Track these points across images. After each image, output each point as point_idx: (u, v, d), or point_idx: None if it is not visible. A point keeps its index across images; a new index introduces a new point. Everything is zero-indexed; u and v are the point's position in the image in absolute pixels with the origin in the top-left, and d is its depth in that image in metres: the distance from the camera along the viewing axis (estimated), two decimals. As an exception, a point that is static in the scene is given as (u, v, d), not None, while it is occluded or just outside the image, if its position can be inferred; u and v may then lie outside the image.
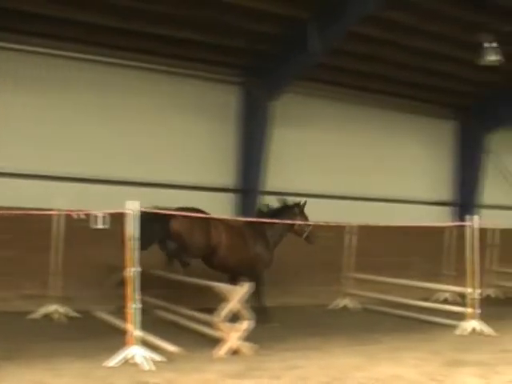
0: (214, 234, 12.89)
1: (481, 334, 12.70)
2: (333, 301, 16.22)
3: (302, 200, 14.29)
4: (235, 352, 10.16)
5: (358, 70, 17.87)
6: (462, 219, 14.29)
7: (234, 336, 10.22)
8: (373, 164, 19.70)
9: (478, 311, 13.07)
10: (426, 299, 16.08)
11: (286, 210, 14.02)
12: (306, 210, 14.34)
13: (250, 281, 11.37)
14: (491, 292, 18.98)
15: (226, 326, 10.31)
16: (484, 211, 21.18)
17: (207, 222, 12.82)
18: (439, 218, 20.24)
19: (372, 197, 19.39)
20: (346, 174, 19.09)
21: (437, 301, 17.01)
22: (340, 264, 16.42)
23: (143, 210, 10.04)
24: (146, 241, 10.74)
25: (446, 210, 21.23)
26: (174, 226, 12.33)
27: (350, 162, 19.22)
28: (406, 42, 16.58)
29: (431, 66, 18.06)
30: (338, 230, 16.39)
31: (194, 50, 15.89)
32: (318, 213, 16.81)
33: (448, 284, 16.98)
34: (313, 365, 9.53)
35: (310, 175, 18.30)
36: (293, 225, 13.98)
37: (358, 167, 19.36)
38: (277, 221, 13.57)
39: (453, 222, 19.41)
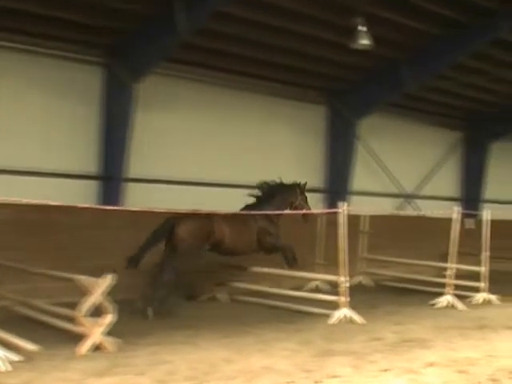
0: (216, 229, 14.24)
1: (352, 322, 13.01)
2: (204, 293, 16.13)
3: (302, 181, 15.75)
4: (98, 348, 9.95)
5: (230, 52, 17.88)
6: (333, 206, 14.54)
7: (96, 331, 9.99)
8: (243, 149, 19.79)
9: (349, 299, 13.38)
10: (297, 288, 16.30)
11: (287, 188, 15.31)
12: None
13: (272, 253, 14.70)
14: (362, 279, 19.50)
15: (88, 320, 10.06)
16: (355, 198, 21.79)
17: (209, 220, 14.18)
18: (311, 205, 20.55)
19: (241, 183, 19.42)
20: (215, 160, 19.07)
21: (309, 290, 17.29)
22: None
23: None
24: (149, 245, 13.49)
25: (317, 196, 21.61)
26: (179, 232, 13.73)
27: (219, 148, 19.22)
28: (278, 24, 16.74)
29: (303, 49, 18.32)
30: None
31: (54, 27, 15.34)
32: (184, 201, 16.81)
33: (320, 272, 17.34)
34: (180, 359, 9.48)
35: (176, 161, 18.17)
36: (293, 201, 15.44)
37: (227, 153, 19.39)
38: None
39: (324, 208, 19.76)
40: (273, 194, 15.30)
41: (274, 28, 16.90)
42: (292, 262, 15.02)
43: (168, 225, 13.83)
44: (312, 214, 15.90)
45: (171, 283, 13.62)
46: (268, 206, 15.08)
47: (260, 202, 15.25)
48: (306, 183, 15.74)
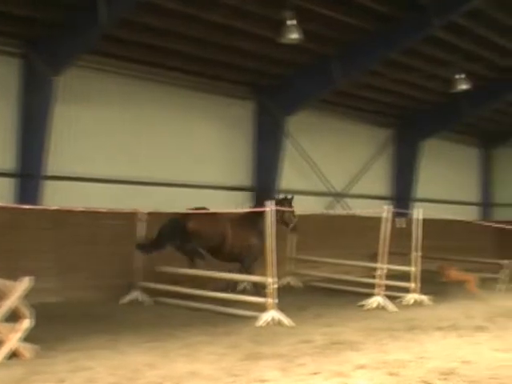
0: (221, 227, 16.16)
1: (281, 324, 13.03)
2: (125, 295, 15.97)
3: (289, 195, 17.68)
4: (15, 355, 9.71)
5: (155, 46, 17.78)
6: (261, 205, 14.55)
7: (13, 337, 9.76)
8: (167, 146, 19.67)
9: (277, 301, 13.40)
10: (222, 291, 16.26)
11: (278, 202, 16.12)
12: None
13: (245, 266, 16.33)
14: (291, 280, 19.57)
15: (3, 326, 9.82)
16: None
17: (215, 218, 16.18)
18: (237, 203, 20.57)
19: (166, 181, 19.34)
20: (136, 156, 18.91)
21: (237, 291, 17.28)
22: (132, 254, 16.16)
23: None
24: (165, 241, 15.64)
25: (245, 195, 21.64)
26: (191, 225, 15.67)
27: (144, 144, 19.08)
28: (206, 17, 16.69)
29: (230, 42, 18.31)
30: (127, 217, 16.15)
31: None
32: (102, 198, 16.63)
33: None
34: (101, 365, 9.34)
35: (95, 157, 17.94)
36: (282, 215, 16.96)
37: (149, 149, 19.24)
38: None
39: (250, 207, 19.76)
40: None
41: (201, 21, 16.83)
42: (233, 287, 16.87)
43: (176, 223, 15.72)
44: (297, 225, 17.81)
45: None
46: (260, 219, 15.05)
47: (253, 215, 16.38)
48: (292, 197, 17.65)
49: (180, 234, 15.71)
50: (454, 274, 19.18)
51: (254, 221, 16.35)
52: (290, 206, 17.52)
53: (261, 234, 15.30)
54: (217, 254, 16.42)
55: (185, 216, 15.87)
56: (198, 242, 15.81)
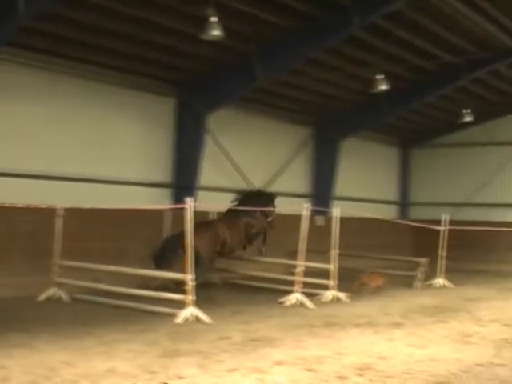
0: (220, 233, 17.55)
1: (199, 321, 13.07)
2: (42, 292, 15.75)
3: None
4: None
5: (75, 40, 17.52)
6: (180, 202, 14.53)
7: None
8: (86, 142, 19.42)
9: (196, 298, 13.43)
10: (143, 287, 16.20)
11: (264, 196, 19.17)
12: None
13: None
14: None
15: None
16: (203, 193, 21.86)
17: (215, 227, 17.61)
18: (158, 200, 20.50)
19: (85, 177, 19.12)
20: (55, 152, 18.59)
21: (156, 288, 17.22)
22: (49, 251, 15.93)
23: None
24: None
25: (165, 191, 21.57)
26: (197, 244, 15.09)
27: (60, 139, 18.75)
28: (127, 12, 16.54)
29: (151, 38, 18.19)
30: (44, 214, 15.92)
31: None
32: (19, 194, 16.34)
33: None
34: (16, 364, 9.22)
35: (12, 152, 17.54)
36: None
37: (68, 144, 18.96)
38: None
39: (170, 204, 19.75)
40: (251, 198, 18.94)
41: (123, 16, 16.69)
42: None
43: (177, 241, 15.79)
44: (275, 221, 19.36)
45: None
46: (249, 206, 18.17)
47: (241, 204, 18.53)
48: (276, 195, 19.17)
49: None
50: (369, 279, 19.44)
51: (238, 216, 18.51)
52: (273, 202, 19.22)
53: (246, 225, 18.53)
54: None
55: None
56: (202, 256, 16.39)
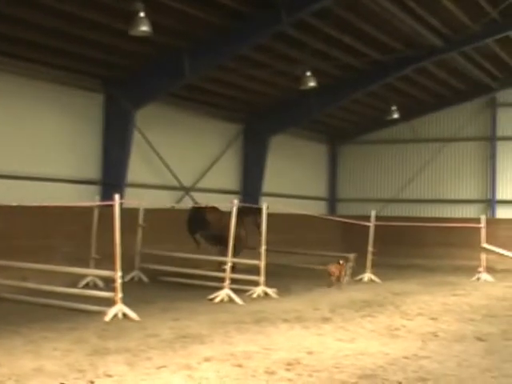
0: (223, 220, 19.50)
1: (128, 319, 13.01)
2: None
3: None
4: None
5: (1, 34, 17.27)
6: (108, 199, 14.45)
7: None
8: (11, 137, 19.11)
9: (124, 296, 13.37)
10: (71, 285, 16.06)
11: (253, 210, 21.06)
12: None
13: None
14: (139, 275, 19.49)
15: None
16: (132, 190, 21.75)
17: (221, 213, 20.68)
18: (86, 197, 20.30)
19: (12, 174, 18.83)
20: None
21: (84, 286, 17.08)
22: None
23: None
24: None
25: (93, 188, 21.37)
26: (208, 217, 20.76)
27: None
28: (52, 5, 16.36)
29: (78, 33, 18.05)
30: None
31: None
32: None
33: (94, 268, 17.16)
34: None
35: None
36: (256, 220, 20.32)
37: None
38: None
39: (99, 201, 19.57)
40: (246, 212, 20.86)
41: (51, 10, 16.54)
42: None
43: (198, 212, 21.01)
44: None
45: None
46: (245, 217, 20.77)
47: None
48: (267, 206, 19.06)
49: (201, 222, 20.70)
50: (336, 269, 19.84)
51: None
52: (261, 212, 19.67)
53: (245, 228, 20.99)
54: (216, 240, 20.70)
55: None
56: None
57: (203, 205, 21.52)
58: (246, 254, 18.43)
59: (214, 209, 21.06)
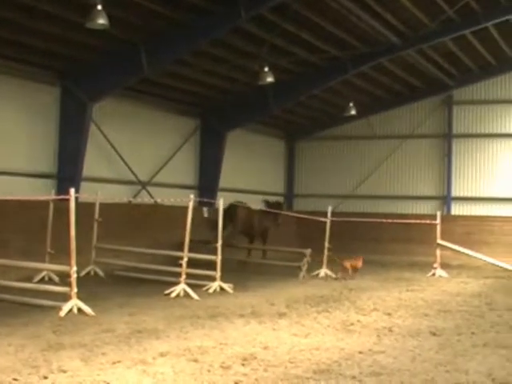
0: (252, 217, 24.36)
1: (83, 314, 12.96)
2: None
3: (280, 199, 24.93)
4: None
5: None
6: (64, 193, 14.35)
7: None
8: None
9: (80, 291, 13.31)
10: (25, 279, 15.94)
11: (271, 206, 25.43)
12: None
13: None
14: (94, 269, 19.40)
15: None
16: (87, 184, 21.62)
17: (249, 210, 24.42)
18: (41, 191, 20.15)
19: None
20: None
21: (39, 281, 16.97)
22: None
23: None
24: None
25: (49, 182, 21.20)
26: (240, 214, 23.79)
27: None
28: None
29: (35, 25, 17.90)
30: None
31: None
32: None
33: (49, 262, 17.04)
34: None
35: None
36: (275, 217, 25.52)
37: None
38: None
39: (54, 195, 19.44)
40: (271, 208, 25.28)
41: (6, 1, 16.35)
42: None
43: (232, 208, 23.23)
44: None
45: None
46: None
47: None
48: (284, 202, 22.75)
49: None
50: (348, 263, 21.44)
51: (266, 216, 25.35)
52: (282, 209, 23.79)
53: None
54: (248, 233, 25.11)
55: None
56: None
57: (240, 203, 24.40)
58: (204, 249, 18.44)
59: (245, 207, 24.35)
